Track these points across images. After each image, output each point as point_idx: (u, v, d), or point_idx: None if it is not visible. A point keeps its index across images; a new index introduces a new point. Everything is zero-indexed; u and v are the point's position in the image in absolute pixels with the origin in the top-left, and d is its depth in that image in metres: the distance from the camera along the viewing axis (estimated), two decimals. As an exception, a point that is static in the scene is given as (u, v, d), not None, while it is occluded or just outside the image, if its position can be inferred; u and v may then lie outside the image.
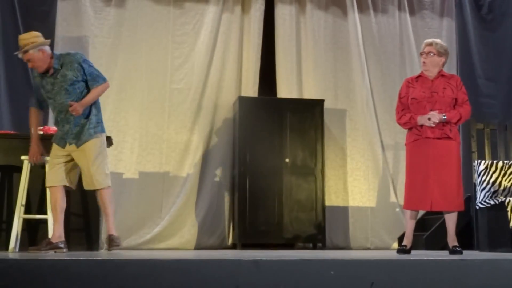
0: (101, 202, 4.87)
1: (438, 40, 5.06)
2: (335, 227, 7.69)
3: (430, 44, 4.99)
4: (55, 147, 4.81)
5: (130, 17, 7.61)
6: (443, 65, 5.00)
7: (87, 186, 4.86)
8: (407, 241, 4.97)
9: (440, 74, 4.96)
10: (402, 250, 4.94)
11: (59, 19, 7.34)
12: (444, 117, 4.78)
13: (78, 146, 4.77)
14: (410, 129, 4.96)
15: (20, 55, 4.68)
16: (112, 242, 4.80)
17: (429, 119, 4.78)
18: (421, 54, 5.03)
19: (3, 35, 7.07)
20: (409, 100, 4.94)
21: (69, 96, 4.73)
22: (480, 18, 8.66)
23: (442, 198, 4.77)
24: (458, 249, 4.73)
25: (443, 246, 4.99)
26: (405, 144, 5.05)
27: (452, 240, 4.84)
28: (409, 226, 5.00)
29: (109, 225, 4.87)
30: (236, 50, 7.84)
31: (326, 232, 7.34)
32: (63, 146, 4.78)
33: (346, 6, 8.24)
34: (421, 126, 4.84)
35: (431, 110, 4.82)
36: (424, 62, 4.97)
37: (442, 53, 4.97)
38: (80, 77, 4.75)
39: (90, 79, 4.80)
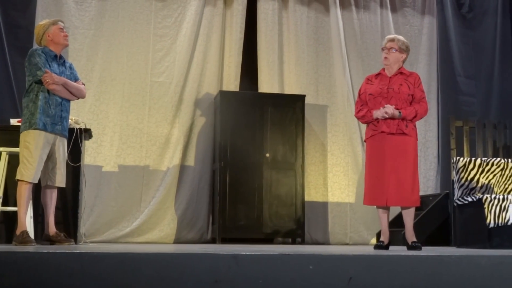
0: (53, 200, 4.78)
1: (400, 37, 5.07)
2: (314, 222, 7.72)
3: (392, 40, 4.99)
4: (41, 134, 4.61)
5: (111, 9, 7.55)
6: (403, 62, 5.00)
7: (59, 183, 4.78)
8: (384, 237, 4.98)
9: (399, 71, 4.97)
10: (379, 246, 4.95)
11: (39, 9, 7.25)
12: (398, 114, 4.78)
13: (62, 136, 4.74)
14: (368, 124, 4.98)
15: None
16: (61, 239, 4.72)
17: (383, 107, 4.79)
18: (382, 49, 5.03)
19: (-18, 25, 6.97)
20: (366, 96, 4.96)
21: None
22: (461, 17, 8.73)
23: (397, 194, 4.77)
24: (417, 244, 4.72)
25: (421, 242, 5.00)
26: (365, 140, 5.07)
27: (410, 235, 4.84)
28: (383, 221, 4.99)
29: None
30: (218, 44, 7.81)
31: (306, 227, 7.37)
32: (52, 132, 4.66)
33: (328, 2, 8.25)
34: (377, 121, 4.86)
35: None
36: (386, 57, 4.96)
37: (404, 50, 4.99)
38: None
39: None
